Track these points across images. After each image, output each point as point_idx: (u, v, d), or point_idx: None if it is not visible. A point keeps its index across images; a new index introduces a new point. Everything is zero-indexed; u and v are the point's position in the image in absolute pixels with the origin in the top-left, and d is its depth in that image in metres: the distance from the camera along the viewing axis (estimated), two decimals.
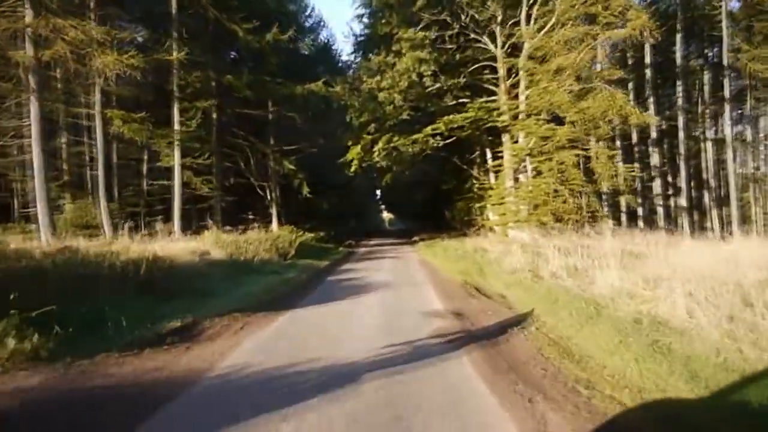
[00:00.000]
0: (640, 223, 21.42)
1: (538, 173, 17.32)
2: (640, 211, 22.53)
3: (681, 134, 22.86)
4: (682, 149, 23.00)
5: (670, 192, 25.70)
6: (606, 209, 18.67)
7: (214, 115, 18.13)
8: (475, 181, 22.43)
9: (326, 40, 30.66)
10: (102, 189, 13.49)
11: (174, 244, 9.75)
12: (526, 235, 13.92)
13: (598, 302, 5.58)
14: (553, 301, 6.10)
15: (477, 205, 22.27)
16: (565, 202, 15.79)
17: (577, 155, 16.04)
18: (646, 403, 3.12)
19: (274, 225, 21.11)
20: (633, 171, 16.16)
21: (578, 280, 7.24)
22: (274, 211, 21.48)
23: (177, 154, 15.11)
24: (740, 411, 2.89)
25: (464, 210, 24.95)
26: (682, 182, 23.21)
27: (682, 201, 23.47)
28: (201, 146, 15.58)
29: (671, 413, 2.99)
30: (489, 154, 21.04)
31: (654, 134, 22.50)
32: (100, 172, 13.51)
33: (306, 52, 23.90)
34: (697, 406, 3.04)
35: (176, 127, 15.04)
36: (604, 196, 20.26)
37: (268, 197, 21.45)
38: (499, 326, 5.44)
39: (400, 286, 8.76)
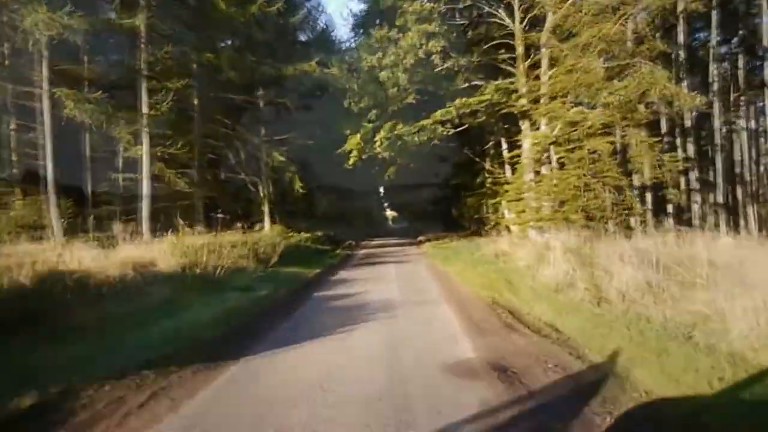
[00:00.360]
0: (669, 221, 19.24)
1: (562, 165, 15.20)
2: (669, 208, 20.32)
3: (716, 123, 20.54)
4: (717, 139, 20.67)
5: (698, 187, 23.40)
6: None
7: (196, 101, 16.04)
8: (487, 175, 20.27)
9: (324, 26, 28.44)
10: (51, 183, 11.36)
11: (120, 251, 7.58)
12: (563, 235, 11.63)
13: (747, 359, 3.36)
14: (653, 349, 3.88)
15: (491, 201, 20.05)
16: (596, 197, 13.57)
17: (612, 142, 13.81)
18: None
19: (266, 225, 19.06)
20: (678, 162, 13.90)
21: (667, 307, 5.03)
22: (266, 209, 19.41)
23: (146, 141, 12.96)
24: None
25: (474, 207, 22.80)
26: (718, 176, 20.88)
27: (719, 197, 21.13)
28: (173, 134, 13.39)
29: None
30: (504, 145, 18.82)
31: (688, 122, 20.16)
32: (49, 163, 11.37)
33: (303, 39, 21.78)
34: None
35: (144, 110, 12.86)
36: (635, 191, 18.08)
37: (261, 194, 19.40)
38: (579, 399, 3.23)
39: (409, 309, 6.54)
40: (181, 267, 7.12)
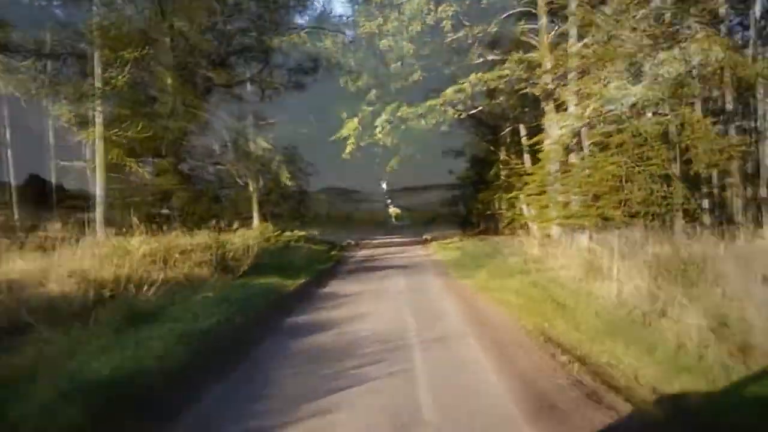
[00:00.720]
0: (705, 218, 16.99)
1: (592, 153, 13.00)
2: (705, 203, 18.04)
3: (760, 107, 18.19)
4: (763, 124, 18.31)
5: (738, 178, 21.06)
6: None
7: (169, 81, 13.88)
8: (502, 167, 18.06)
9: (323, 7, 26.29)
10: None
11: (11, 262, 5.39)
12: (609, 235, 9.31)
13: None
14: None
15: (506, 196, 17.80)
16: (642, 189, 11.29)
17: (660, 124, 11.53)
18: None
19: (255, 222, 17.03)
20: (742, 147, 11.63)
21: None
22: (254, 204, 17.37)
23: (99, 121, 10.80)
24: None
25: (484, 203, 20.60)
26: (762, 166, 18.52)
27: (762, 190, 18.75)
28: (132, 114, 11.21)
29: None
30: (523, 131, 16.55)
31: (730, 105, 17.80)
32: None
33: (301, 22, 19.72)
34: None
35: (97, 84, 10.65)
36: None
37: (251, 188, 17.34)
38: None
39: (425, 354, 4.22)
40: (85, 288, 4.84)
